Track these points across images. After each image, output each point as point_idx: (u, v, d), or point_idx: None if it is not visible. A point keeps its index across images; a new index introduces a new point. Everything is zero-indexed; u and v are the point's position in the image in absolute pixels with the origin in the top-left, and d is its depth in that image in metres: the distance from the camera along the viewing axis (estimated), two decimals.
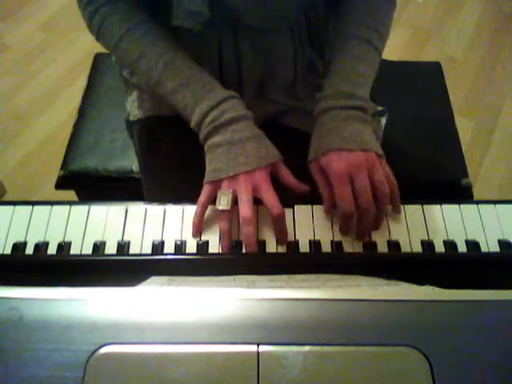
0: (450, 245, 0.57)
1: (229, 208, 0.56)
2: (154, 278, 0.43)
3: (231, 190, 0.56)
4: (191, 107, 0.60)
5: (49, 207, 0.60)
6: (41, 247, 0.57)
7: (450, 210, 0.60)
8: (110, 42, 0.63)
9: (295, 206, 0.60)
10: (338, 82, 0.61)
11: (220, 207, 0.56)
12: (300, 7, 0.65)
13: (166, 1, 0.58)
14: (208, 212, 0.59)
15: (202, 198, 0.58)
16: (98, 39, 0.65)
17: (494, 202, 0.61)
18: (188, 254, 0.57)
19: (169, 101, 0.62)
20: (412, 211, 0.60)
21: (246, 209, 0.55)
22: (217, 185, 0.58)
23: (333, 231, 0.59)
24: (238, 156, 0.57)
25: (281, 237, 0.57)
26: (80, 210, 0.60)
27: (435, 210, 0.60)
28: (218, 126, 0.58)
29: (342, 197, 0.55)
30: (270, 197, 0.56)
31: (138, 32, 0.61)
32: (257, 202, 0.58)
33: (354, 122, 0.58)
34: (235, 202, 0.56)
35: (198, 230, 0.58)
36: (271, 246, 0.58)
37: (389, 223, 0.59)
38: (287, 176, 0.60)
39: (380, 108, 0.90)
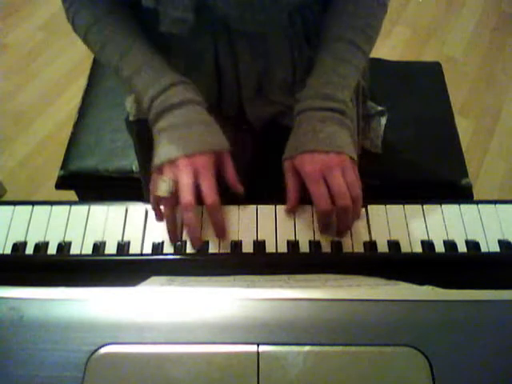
0: (450, 245, 0.57)
1: (167, 195, 0.54)
2: (154, 278, 0.43)
3: (171, 176, 0.55)
4: (141, 94, 0.60)
5: (49, 207, 0.60)
6: (41, 247, 0.57)
7: (450, 209, 0.60)
8: (80, 34, 0.64)
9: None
10: (319, 82, 0.61)
11: (159, 193, 0.55)
12: (294, 9, 0.65)
13: (152, 9, 0.58)
14: (205, 214, 0.59)
15: (152, 187, 0.57)
16: (75, 32, 0.66)
17: (494, 202, 0.61)
18: (188, 254, 0.57)
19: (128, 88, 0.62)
20: (412, 211, 0.60)
21: (184, 194, 0.53)
22: (160, 171, 0.57)
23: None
24: (178, 140, 0.56)
25: (217, 228, 0.56)
26: (80, 210, 0.60)
27: (435, 210, 0.60)
28: (163, 111, 0.58)
29: (319, 195, 0.55)
30: (207, 184, 0.54)
31: (101, 24, 0.62)
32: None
33: (330, 123, 0.58)
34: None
35: (159, 219, 0.58)
36: (271, 246, 0.58)
37: (389, 223, 0.59)
38: (230, 170, 0.59)
39: (380, 108, 0.90)
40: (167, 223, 0.56)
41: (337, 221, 0.57)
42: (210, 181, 0.55)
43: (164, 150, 0.56)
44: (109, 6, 0.63)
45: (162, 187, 0.54)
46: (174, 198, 0.55)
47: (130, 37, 0.62)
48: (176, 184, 0.55)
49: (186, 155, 0.55)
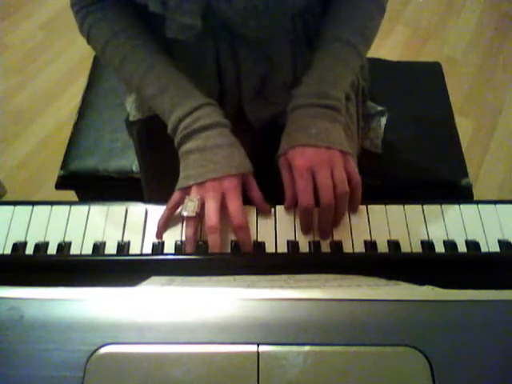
0: (450, 245, 0.57)
1: (194, 215, 0.55)
2: (154, 278, 0.43)
3: (199, 197, 0.56)
4: (168, 113, 0.60)
5: (49, 207, 0.60)
6: (41, 247, 0.57)
7: (450, 209, 0.60)
8: (97, 47, 0.65)
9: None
10: (314, 80, 0.62)
11: (185, 213, 0.56)
12: (297, 12, 0.65)
13: (160, 14, 0.58)
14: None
15: (170, 203, 0.58)
16: (88, 44, 0.66)
17: (494, 202, 0.61)
18: (188, 254, 0.57)
19: (149, 105, 0.63)
20: (412, 211, 0.60)
21: (211, 217, 0.55)
22: (186, 191, 0.58)
23: (332, 232, 0.59)
24: (208, 163, 0.57)
25: (243, 245, 0.57)
26: (80, 210, 0.60)
27: (435, 210, 0.60)
28: (191, 133, 0.58)
29: (302, 190, 0.56)
30: (234, 206, 0.56)
31: (121, 38, 0.62)
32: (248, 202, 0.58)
33: (322, 119, 0.59)
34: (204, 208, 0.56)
35: (160, 233, 0.59)
36: (271, 247, 0.58)
37: (389, 223, 0.59)
38: (255, 191, 0.60)
39: (380, 108, 0.90)
40: (187, 241, 0.56)
41: (318, 218, 0.57)
42: (236, 202, 0.56)
43: (193, 172, 0.57)
44: (128, 19, 0.63)
45: (190, 207, 0.56)
46: (198, 217, 0.56)
47: (153, 53, 0.62)
48: (202, 204, 0.56)
49: (214, 178, 0.56)
